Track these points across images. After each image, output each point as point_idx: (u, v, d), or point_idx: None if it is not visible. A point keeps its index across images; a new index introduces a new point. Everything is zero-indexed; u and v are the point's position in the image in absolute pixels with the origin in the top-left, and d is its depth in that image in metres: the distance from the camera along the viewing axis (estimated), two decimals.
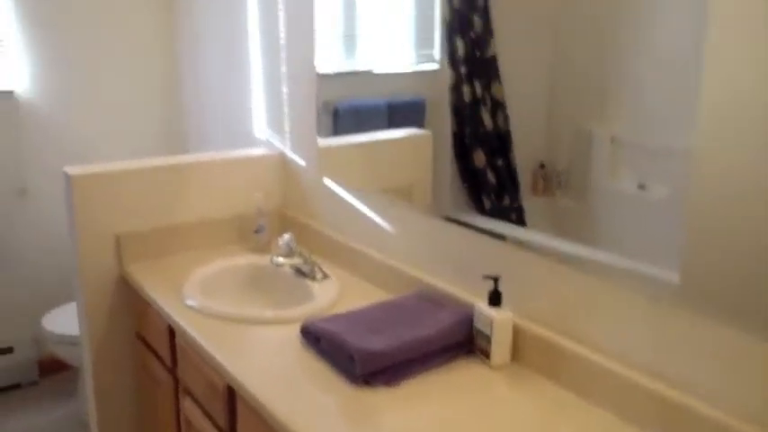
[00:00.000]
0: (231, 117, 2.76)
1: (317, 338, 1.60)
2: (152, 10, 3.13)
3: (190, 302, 1.86)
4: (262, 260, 2.15)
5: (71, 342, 2.59)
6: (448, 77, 1.70)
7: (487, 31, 1.60)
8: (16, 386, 3.07)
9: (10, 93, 2.90)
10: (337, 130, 2.15)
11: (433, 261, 1.80)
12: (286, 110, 2.36)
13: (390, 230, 1.95)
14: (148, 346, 2.14)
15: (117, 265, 2.18)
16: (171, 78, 3.21)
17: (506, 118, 1.61)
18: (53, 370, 3.11)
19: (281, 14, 2.29)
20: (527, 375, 1.50)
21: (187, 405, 1.86)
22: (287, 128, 2.37)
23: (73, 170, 2.12)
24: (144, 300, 2.04)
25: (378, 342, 1.50)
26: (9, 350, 3.05)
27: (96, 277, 2.17)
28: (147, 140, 3.23)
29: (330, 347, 1.55)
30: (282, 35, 2.30)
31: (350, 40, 2.12)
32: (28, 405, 2.98)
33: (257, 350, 1.63)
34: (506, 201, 1.63)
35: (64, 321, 2.67)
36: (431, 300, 1.73)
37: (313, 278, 1.99)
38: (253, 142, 2.58)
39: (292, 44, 2.27)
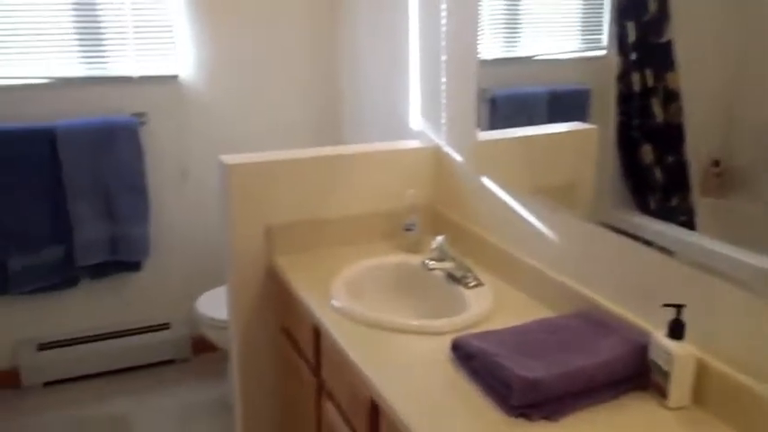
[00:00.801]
0: (387, 108, 2.67)
1: (468, 356, 1.46)
2: (314, 1, 3.10)
3: (336, 303, 1.79)
4: (412, 260, 2.04)
5: (221, 326, 2.62)
6: (615, 65, 1.53)
7: (663, 13, 1.41)
8: (170, 362, 3.18)
9: (175, 77, 2.96)
10: (494, 120, 2.00)
11: (600, 276, 1.61)
12: (444, 100, 2.22)
13: (552, 237, 1.77)
14: (293, 341, 2.10)
15: (266, 255, 2.16)
16: (328, 67, 3.17)
17: (680, 109, 1.40)
18: (206, 349, 3.19)
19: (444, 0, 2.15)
20: (709, 422, 1.30)
21: (329, 409, 1.79)
22: (444, 120, 2.24)
23: (228, 159, 2.11)
24: (290, 294, 1.99)
25: (538, 368, 1.34)
26: (166, 326, 3.15)
27: (245, 266, 2.15)
28: (301, 130, 3.22)
29: (484, 369, 1.41)
30: (444, 21, 2.16)
31: (511, 24, 1.95)
32: (180, 381, 3.07)
33: (404, 363, 1.52)
34: (674, 201, 1.43)
35: (216, 305, 2.71)
36: (597, 322, 1.54)
37: (466, 285, 1.85)
38: (408, 134, 2.47)
39: (454, 31, 2.13)
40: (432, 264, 1.92)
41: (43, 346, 2.99)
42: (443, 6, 2.16)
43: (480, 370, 1.42)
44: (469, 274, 1.88)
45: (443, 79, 2.21)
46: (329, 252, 2.17)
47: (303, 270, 2.04)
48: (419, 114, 2.40)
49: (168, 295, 3.17)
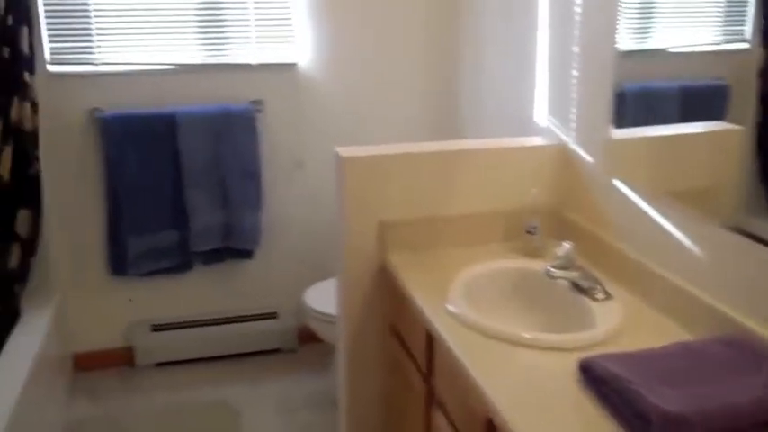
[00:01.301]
0: (510, 102, 2.53)
1: (599, 380, 1.32)
2: None
3: (452, 308, 1.68)
4: (533, 266, 1.90)
5: (328, 320, 2.57)
6: (758, 59, 1.38)
7: None
8: (276, 351, 3.18)
9: (293, 65, 2.94)
10: (622, 117, 1.84)
11: (751, 295, 1.42)
12: (574, 95, 2.07)
13: (693, 248, 1.59)
14: (403, 342, 2.02)
15: (378, 252, 2.08)
16: (448, 58, 3.06)
17: None
18: (312, 340, 3.16)
19: None
20: None
21: (439, 421, 1.70)
22: (573, 116, 2.08)
23: (344, 151, 2.04)
24: (402, 294, 1.90)
25: (681, 402, 1.19)
26: (273, 315, 3.15)
27: (357, 261, 2.09)
28: (418, 124, 3.12)
29: (617, 397, 1.26)
30: (578, 9, 2.01)
31: (645, 13, 1.77)
32: (285, 371, 3.06)
33: (526, 381, 1.40)
34: None
35: (324, 297, 2.67)
36: (748, 350, 1.36)
37: (593, 297, 1.71)
38: (532, 130, 2.33)
39: (589, 19, 1.96)
40: (556, 272, 1.78)
41: (156, 328, 3.06)
42: None
43: (612, 397, 1.28)
44: (597, 286, 1.73)
45: (575, 72, 2.05)
46: (444, 252, 2.07)
47: (417, 270, 1.95)
48: (545, 110, 2.25)
49: (277, 285, 3.17)
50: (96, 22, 2.74)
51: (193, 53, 2.85)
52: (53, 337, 2.74)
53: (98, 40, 2.76)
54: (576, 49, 2.04)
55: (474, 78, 2.88)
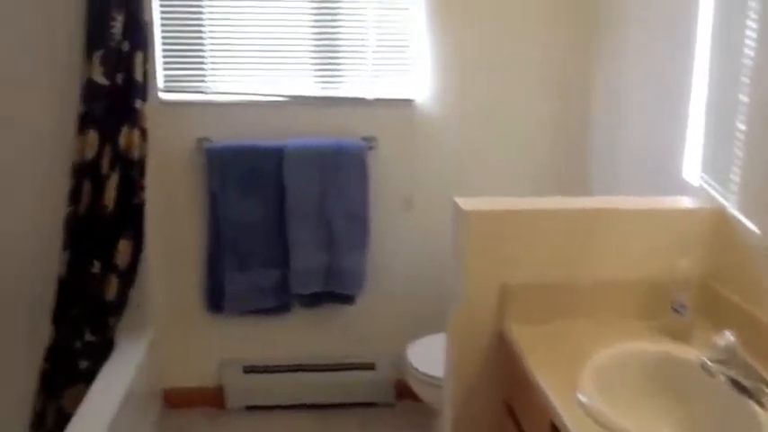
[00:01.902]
0: (652, 153, 2.24)
1: None
2: (568, 25, 2.73)
3: (583, 399, 1.42)
4: (683, 353, 1.61)
5: (431, 382, 2.34)
6: None
7: None
8: (372, 404, 2.96)
9: (410, 101, 2.75)
10: None
11: None
12: (738, 152, 1.76)
13: None
14: (517, 422, 1.76)
15: (496, 318, 1.84)
16: (580, 101, 2.79)
17: None
18: (410, 395, 2.92)
19: (754, 24, 1.70)
20: None
21: None
22: (735, 176, 1.78)
23: (465, 203, 1.82)
24: (522, 371, 1.65)
25: None
26: (371, 366, 2.94)
27: (471, 325, 1.85)
28: (542, 172, 2.85)
29: None
30: (750, 52, 1.71)
31: None
32: (381, 427, 2.85)
33: None
34: None
35: (428, 356, 2.44)
36: None
37: (759, 401, 1.40)
38: (677, 188, 2.03)
39: (764, 64, 1.67)
40: (714, 366, 1.48)
41: (249, 369, 2.91)
42: (749, 33, 1.71)
43: None
44: (765, 388, 1.42)
45: (741, 125, 1.75)
46: (574, 324, 1.80)
47: (541, 345, 1.69)
48: (698, 166, 1.95)
49: (377, 334, 2.96)
50: (210, 50, 2.66)
51: (306, 85, 2.72)
52: (145, 370, 2.64)
53: (210, 69, 2.67)
54: (744, 98, 1.74)
55: (609, 126, 2.60)
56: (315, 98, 2.72)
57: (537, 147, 2.84)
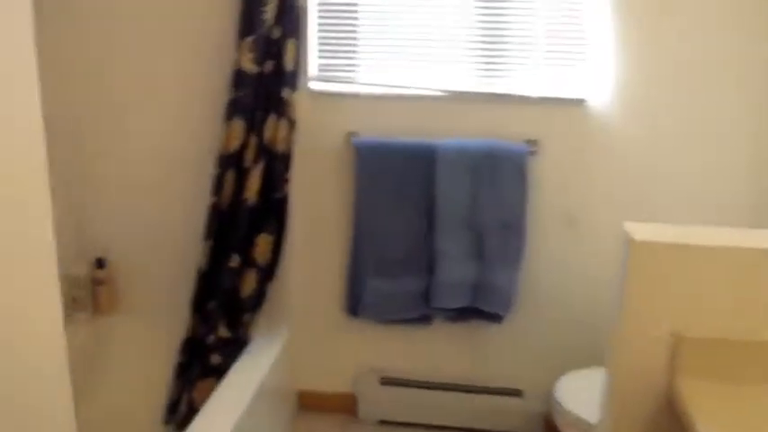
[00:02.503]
0: None
1: None
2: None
3: None
4: None
5: (581, 427, 2.03)
6: None
7: None
8: None
9: (582, 101, 2.42)
10: None
11: None
12: None
13: None
14: None
15: (664, 371, 1.50)
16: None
17: None
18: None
19: None
20: None
21: None
22: None
23: (637, 230, 1.50)
24: None
25: None
26: (518, 393, 2.65)
27: (632, 374, 1.53)
28: (737, 199, 2.41)
29: None
30: None
31: None
32: None
33: None
34: None
35: (580, 395, 2.13)
36: None
37: None
38: None
39: None
40: None
41: (385, 381, 2.73)
42: None
43: None
44: None
45: None
46: (764, 390, 1.43)
47: (720, 412, 1.35)
48: None
49: (527, 359, 2.66)
50: (363, 38, 2.48)
51: (464, 79, 2.47)
52: (279, 368, 2.55)
53: (363, 58, 2.50)
54: None
55: None
56: (473, 94, 2.47)
57: (732, 168, 2.40)
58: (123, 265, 2.77)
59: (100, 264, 2.73)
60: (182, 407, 2.51)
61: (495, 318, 2.55)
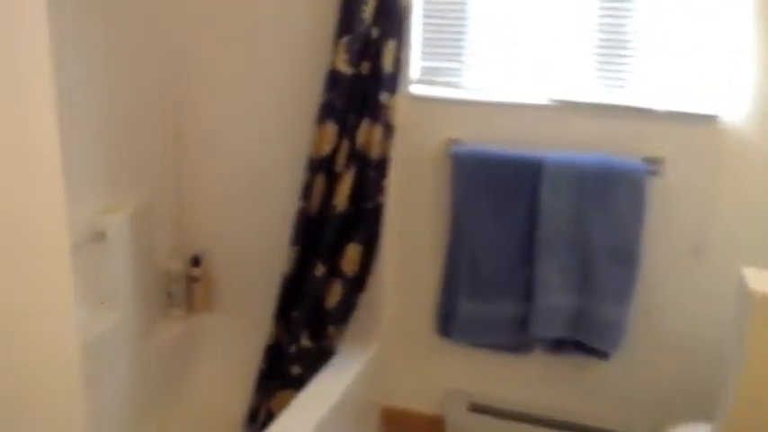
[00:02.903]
0: None
1: None
2: None
3: None
4: None
5: None
6: None
7: None
8: None
9: (713, 118, 2.12)
10: None
11: None
12: None
13: None
14: None
15: None
16: None
17: None
18: None
19: None
20: None
21: None
22: None
23: (756, 276, 1.25)
24: None
25: None
26: None
27: None
28: None
29: None
30: None
31: None
32: None
33: None
34: None
35: None
36: None
37: None
38: None
39: None
40: None
41: (475, 407, 2.54)
42: None
43: None
44: None
45: None
46: None
47: None
48: None
49: (631, 402, 2.38)
50: (471, 40, 2.31)
51: (579, 88, 2.24)
52: (364, 383, 2.43)
53: (469, 61, 2.32)
54: None
55: None
56: (588, 104, 2.23)
57: None
58: (218, 263, 2.76)
59: (196, 261, 2.73)
60: (261, 416, 2.45)
61: (599, 354, 2.29)
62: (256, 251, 2.66)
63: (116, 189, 2.38)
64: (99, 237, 2.25)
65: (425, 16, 2.32)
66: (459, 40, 2.32)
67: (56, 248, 1.10)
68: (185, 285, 2.72)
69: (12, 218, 1.01)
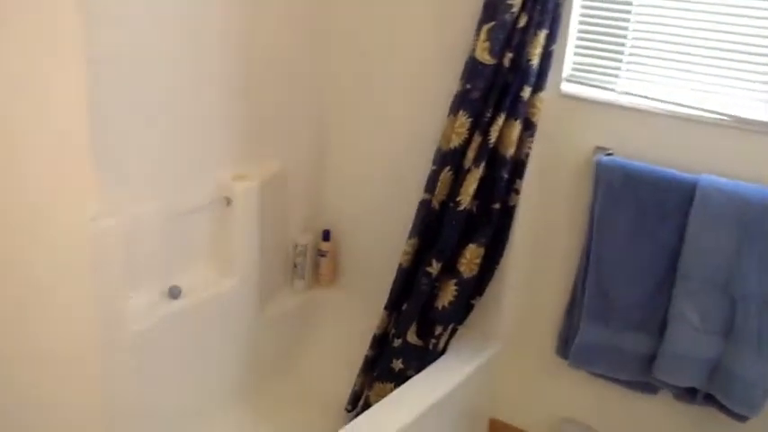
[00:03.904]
0: None
1: None
2: None
3: None
4: None
5: None
6: None
7: None
8: None
9: None
10: None
11: None
12: None
13: None
14: None
15: None
16: None
17: None
18: None
19: None
20: None
21: None
22: None
23: None
24: None
25: None
26: None
27: None
28: None
29: None
30: None
31: None
32: None
33: None
34: None
35: None
36: None
37: None
38: None
39: None
40: None
41: None
42: None
43: None
44: None
45: None
46: None
47: None
48: None
49: None
50: (634, 38, 2.04)
51: (753, 104, 1.91)
52: (470, 390, 2.32)
53: (629, 62, 2.06)
54: None
55: None
56: (759, 122, 1.89)
57: None
58: (346, 242, 2.74)
59: (326, 236, 2.72)
60: (361, 402, 2.41)
61: (733, 415, 1.98)
62: (384, 235, 2.59)
63: (253, 157, 2.41)
64: (225, 201, 2.30)
65: (584, 6, 2.08)
66: (621, 35, 2.06)
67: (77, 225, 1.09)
68: (312, 259, 2.73)
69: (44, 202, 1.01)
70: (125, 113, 1.93)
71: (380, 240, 2.61)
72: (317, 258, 2.74)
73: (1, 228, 0.92)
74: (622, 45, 2.06)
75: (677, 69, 2.00)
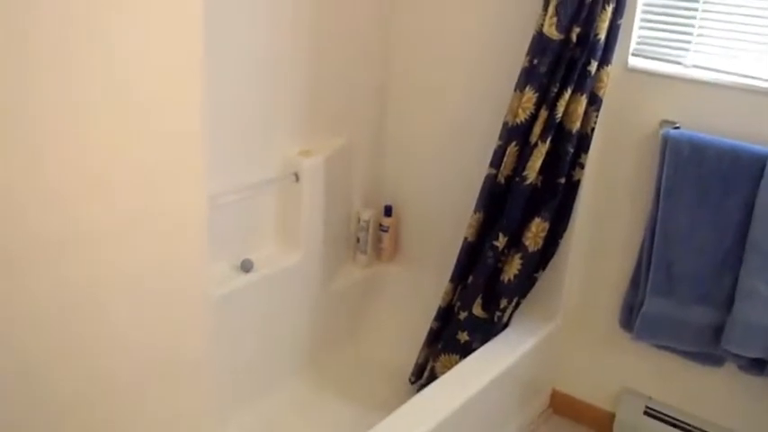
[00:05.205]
0: None
1: None
2: None
3: None
4: None
5: None
6: None
7: None
8: None
9: None
10: None
11: None
12: None
13: None
14: None
15: None
16: None
17: None
18: None
19: None
20: None
21: None
22: None
23: None
24: None
25: None
26: None
27: None
28: None
29: None
30: None
31: None
32: None
33: None
34: None
35: None
36: None
37: None
38: None
39: None
40: None
41: (651, 412, 2.34)
42: None
43: None
44: None
45: None
46: None
47: None
48: None
49: None
50: (704, 9, 2.03)
51: None
52: (533, 362, 2.37)
53: (699, 34, 2.06)
54: None
55: None
56: None
57: None
58: (408, 217, 2.78)
59: (388, 211, 2.77)
60: (426, 373, 2.46)
61: None
62: (446, 210, 2.64)
63: (317, 132, 2.46)
64: (294, 177, 2.35)
65: None
66: (691, 8, 2.05)
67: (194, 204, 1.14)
68: (374, 234, 2.78)
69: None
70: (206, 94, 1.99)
71: (440, 215, 2.66)
72: (378, 233, 2.79)
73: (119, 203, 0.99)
74: (693, 18, 2.06)
75: (749, 42, 1.99)
